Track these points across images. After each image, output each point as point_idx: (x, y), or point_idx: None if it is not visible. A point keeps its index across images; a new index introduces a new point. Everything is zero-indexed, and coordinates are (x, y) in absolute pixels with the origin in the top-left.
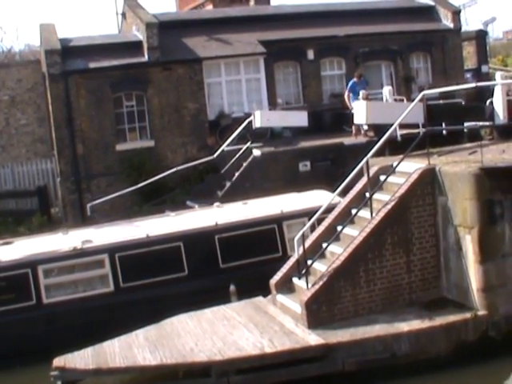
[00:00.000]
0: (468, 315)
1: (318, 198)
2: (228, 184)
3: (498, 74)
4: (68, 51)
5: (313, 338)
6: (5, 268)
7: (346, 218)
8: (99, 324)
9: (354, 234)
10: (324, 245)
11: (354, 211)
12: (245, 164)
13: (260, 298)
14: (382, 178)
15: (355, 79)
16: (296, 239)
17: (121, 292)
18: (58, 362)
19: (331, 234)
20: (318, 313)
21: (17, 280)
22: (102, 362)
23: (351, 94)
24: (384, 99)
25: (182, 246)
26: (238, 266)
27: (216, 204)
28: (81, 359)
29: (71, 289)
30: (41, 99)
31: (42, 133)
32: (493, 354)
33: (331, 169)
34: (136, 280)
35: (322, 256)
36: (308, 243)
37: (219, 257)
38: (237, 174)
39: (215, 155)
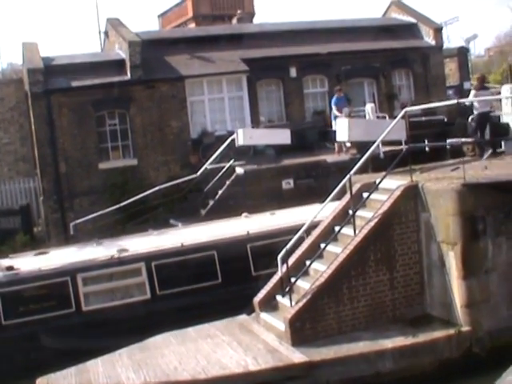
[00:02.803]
0: (452, 331)
1: None
2: (211, 202)
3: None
4: (50, 70)
5: (297, 356)
6: (45, 276)
7: (329, 235)
8: (136, 331)
9: (337, 251)
10: (307, 262)
11: (337, 228)
12: (228, 182)
13: (244, 316)
14: (365, 195)
15: (336, 95)
16: (279, 257)
17: (157, 299)
18: (41, 382)
19: (315, 252)
20: (301, 330)
21: (57, 288)
22: (85, 381)
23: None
24: (366, 116)
25: (216, 255)
26: (269, 273)
27: (244, 214)
28: (64, 379)
29: (109, 296)
30: (23, 118)
31: (25, 152)
32: (477, 370)
33: (314, 186)
34: (172, 288)
35: (306, 273)
36: (292, 261)
37: (251, 265)
38: (220, 192)
39: (198, 173)
